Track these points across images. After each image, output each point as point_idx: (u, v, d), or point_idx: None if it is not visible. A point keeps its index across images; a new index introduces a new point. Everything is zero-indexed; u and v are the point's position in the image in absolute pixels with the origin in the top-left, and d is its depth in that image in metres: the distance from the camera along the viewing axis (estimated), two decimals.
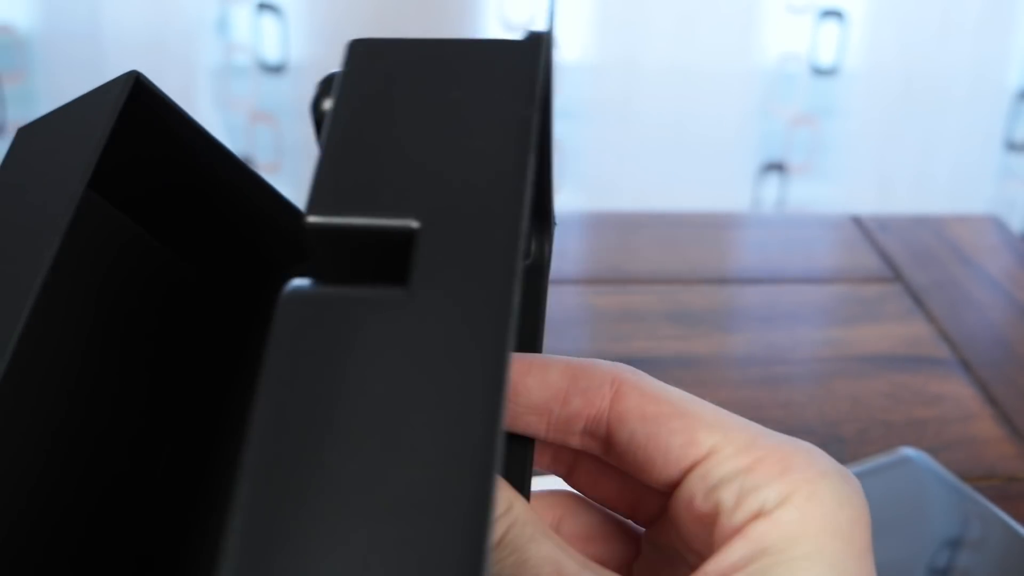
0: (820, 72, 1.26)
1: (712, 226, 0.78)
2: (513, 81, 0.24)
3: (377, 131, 0.24)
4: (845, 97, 1.27)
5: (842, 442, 0.55)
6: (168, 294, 0.34)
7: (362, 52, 0.25)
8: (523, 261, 0.32)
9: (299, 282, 0.22)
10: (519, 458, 0.30)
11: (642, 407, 0.28)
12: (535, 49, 0.25)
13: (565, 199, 1.27)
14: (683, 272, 0.70)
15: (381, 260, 0.22)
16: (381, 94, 0.25)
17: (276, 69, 1.18)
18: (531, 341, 0.32)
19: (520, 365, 0.29)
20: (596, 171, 1.26)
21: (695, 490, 0.27)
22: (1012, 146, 1.31)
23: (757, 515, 0.26)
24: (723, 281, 0.69)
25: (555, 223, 0.33)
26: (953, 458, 0.54)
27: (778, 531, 0.26)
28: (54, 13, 1.13)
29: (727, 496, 0.27)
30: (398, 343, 0.20)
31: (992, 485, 0.52)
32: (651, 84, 1.22)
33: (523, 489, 0.30)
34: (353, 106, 0.24)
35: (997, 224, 0.80)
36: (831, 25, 1.24)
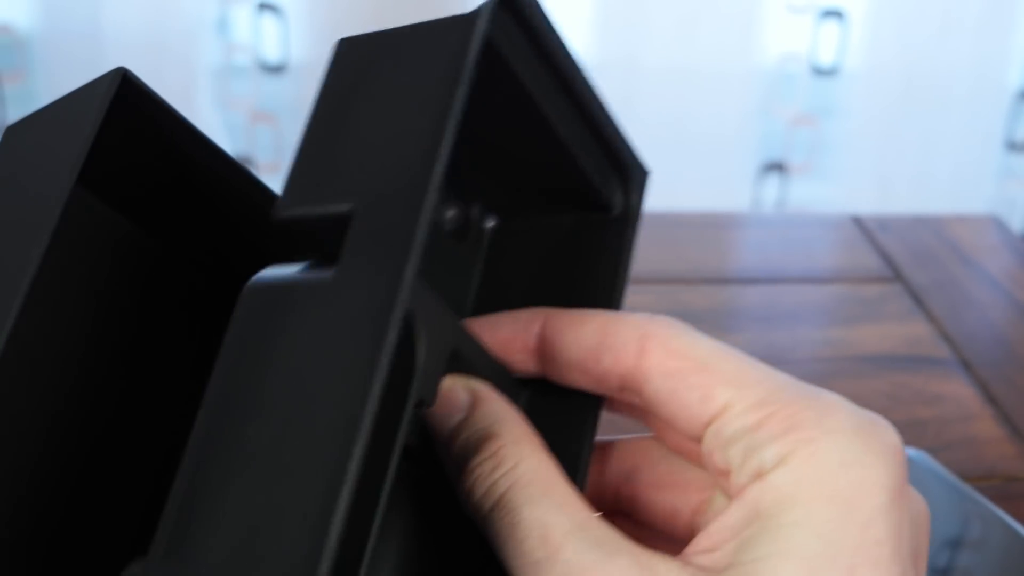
0: (820, 72, 1.26)
1: (712, 226, 0.78)
2: (447, 59, 0.25)
3: (337, 126, 0.25)
4: (845, 97, 1.27)
5: None
6: (164, 289, 0.34)
7: (342, 50, 0.27)
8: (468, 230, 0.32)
9: (261, 273, 0.24)
10: (579, 412, 0.30)
11: (664, 363, 0.27)
12: (470, 23, 0.25)
13: None
14: (683, 272, 0.70)
15: (328, 244, 0.24)
16: (348, 90, 0.26)
17: (276, 69, 1.18)
18: (608, 293, 0.32)
19: (559, 321, 0.29)
20: None
21: (712, 447, 0.26)
22: (1012, 146, 1.31)
23: (756, 476, 0.25)
24: (723, 281, 0.69)
25: (643, 172, 0.33)
26: (953, 458, 0.54)
27: (771, 495, 0.25)
28: (54, 13, 1.13)
29: (735, 454, 0.26)
30: (316, 322, 0.23)
31: (992, 485, 0.52)
32: (651, 84, 1.22)
33: (578, 442, 0.30)
34: (324, 104, 0.26)
35: (997, 224, 0.80)
36: (831, 25, 1.24)
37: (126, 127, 0.29)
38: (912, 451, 0.52)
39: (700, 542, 0.25)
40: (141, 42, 1.13)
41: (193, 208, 0.33)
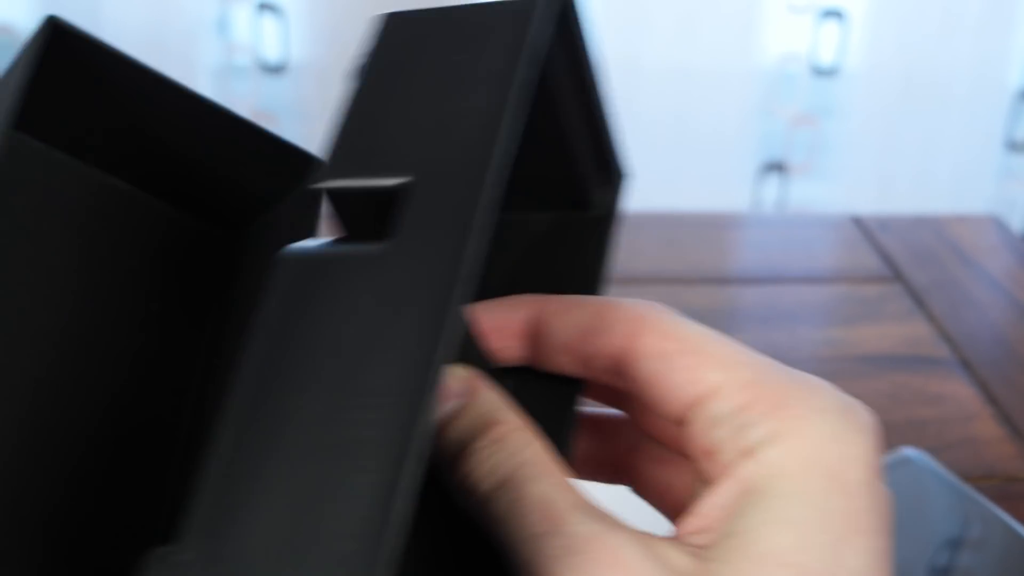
0: (820, 72, 1.26)
1: (712, 226, 0.78)
2: (506, 40, 0.25)
3: (386, 100, 0.25)
4: (845, 97, 1.27)
5: None
6: (141, 233, 0.33)
7: (390, 26, 0.27)
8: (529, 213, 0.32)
9: (294, 245, 0.23)
10: (561, 398, 0.31)
11: (655, 344, 0.28)
12: (529, 6, 0.25)
13: None
14: (683, 272, 0.70)
15: (377, 217, 0.23)
16: (396, 65, 0.26)
17: (276, 69, 1.18)
18: (588, 293, 0.32)
19: (554, 304, 0.30)
20: None
21: (697, 428, 0.27)
22: (1012, 146, 1.31)
23: (745, 454, 0.26)
24: (723, 281, 0.69)
25: (622, 174, 0.33)
26: (953, 458, 0.54)
27: (762, 470, 0.26)
28: (54, 13, 1.13)
29: (723, 434, 0.26)
30: (369, 296, 0.22)
31: (992, 485, 0.52)
32: (652, 83, 1.22)
33: (563, 426, 0.30)
34: (371, 79, 0.25)
35: (997, 224, 0.80)
36: (831, 25, 1.24)
37: (64, 71, 0.28)
38: (912, 451, 0.52)
39: (692, 522, 0.26)
40: (141, 42, 1.13)
41: (163, 151, 0.32)
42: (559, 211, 0.33)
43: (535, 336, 0.30)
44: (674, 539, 0.26)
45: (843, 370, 0.61)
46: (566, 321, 0.29)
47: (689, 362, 0.28)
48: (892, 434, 0.55)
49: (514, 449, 0.27)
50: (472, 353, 0.29)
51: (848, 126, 1.28)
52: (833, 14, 1.24)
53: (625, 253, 0.72)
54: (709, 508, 0.26)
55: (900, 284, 0.70)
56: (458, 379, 0.28)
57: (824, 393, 0.27)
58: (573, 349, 0.29)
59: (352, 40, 1.23)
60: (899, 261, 0.73)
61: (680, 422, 0.28)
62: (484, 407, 0.28)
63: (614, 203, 0.33)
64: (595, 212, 0.33)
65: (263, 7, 1.16)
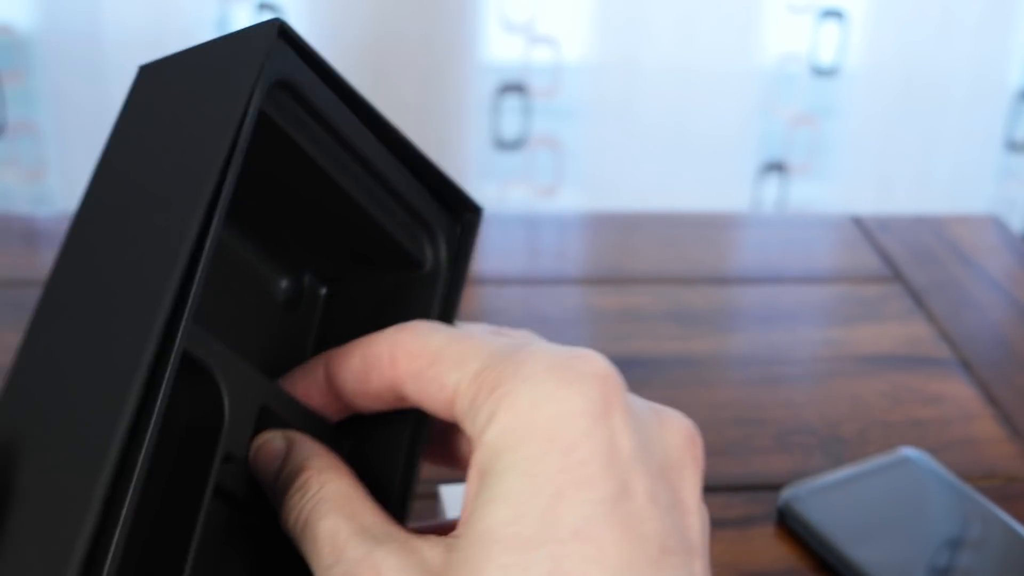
0: (820, 72, 1.26)
1: (712, 226, 0.78)
2: (234, 82, 0.27)
3: (125, 150, 0.28)
4: (845, 97, 1.27)
5: (842, 442, 0.55)
6: None
7: (142, 78, 0.29)
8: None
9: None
10: (399, 433, 0.32)
11: (409, 365, 0.29)
12: (261, 42, 0.27)
13: (565, 199, 1.27)
14: (683, 272, 0.70)
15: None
16: (139, 117, 0.28)
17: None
18: None
19: (333, 358, 0.31)
20: (596, 171, 1.26)
21: (458, 428, 0.29)
22: (1012, 146, 1.31)
23: (477, 441, 0.27)
24: (723, 281, 0.69)
25: (476, 208, 0.34)
26: (953, 458, 0.54)
27: (485, 452, 0.26)
28: (54, 13, 1.13)
29: (467, 427, 0.27)
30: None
31: (992, 485, 0.52)
32: (651, 84, 1.22)
33: (412, 451, 0.32)
34: (117, 134, 0.28)
35: (997, 224, 0.80)
36: (831, 25, 1.24)
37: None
38: (912, 451, 0.52)
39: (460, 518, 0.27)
40: (141, 42, 1.13)
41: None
42: (398, 271, 0.34)
43: (334, 390, 0.31)
44: (442, 537, 0.27)
45: (843, 370, 0.61)
46: (346, 369, 0.31)
47: (432, 372, 0.29)
48: (892, 434, 0.55)
49: (312, 491, 0.28)
50: (296, 418, 0.31)
51: (848, 126, 1.28)
52: (833, 14, 1.23)
53: (625, 253, 0.72)
54: (464, 501, 0.27)
55: (900, 284, 0.70)
56: (278, 439, 0.30)
57: (534, 358, 0.27)
58: (361, 392, 0.31)
59: (352, 40, 1.23)
60: (899, 261, 0.73)
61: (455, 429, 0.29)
62: (298, 458, 0.29)
63: (440, 257, 0.34)
64: (427, 268, 0.34)
65: (263, 7, 1.16)
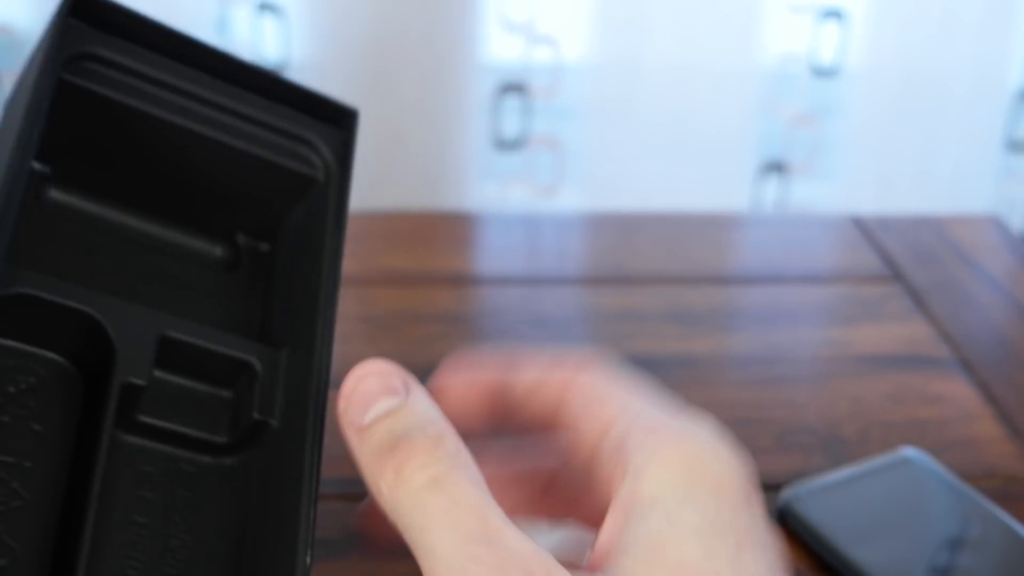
0: (820, 72, 1.26)
1: (712, 226, 0.78)
2: (35, 65, 0.30)
3: None
4: (846, 97, 1.27)
5: (842, 442, 0.55)
6: None
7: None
8: None
9: None
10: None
11: (577, 397, 0.31)
12: (54, 20, 0.31)
13: (566, 199, 1.27)
14: (684, 272, 0.70)
15: None
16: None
17: (277, 69, 1.18)
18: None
19: (515, 366, 0.33)
20: (597, 171, 1.25)
21: (598, 463, 0.29)
22: (1013, 146, 1.31)
23: (629, 474, 0.27)
24: (723, 281, 0.69)
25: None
26: (953, 458, 0.54)
27: (644, 485, 0.27)
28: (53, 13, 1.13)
29: (612, 462, 0.28)
30: None
31: (992, 485, 0.52)
32: (652, 84, 1.22)
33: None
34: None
35: (998, 224, 0.80)
36: (831, 25, 1.24)
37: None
38: (912, 451, 0.52)
39: (598, 550, 0.27)
40: None
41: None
42: (303, 200, 0.36)
43: (500, 387, 0.33)
44: (583, 569, 0.27)
45: (843, 370, 0.61)
46: (523, 375, 0.32)
47: (595, 409, 0.30)
48: (892, 434, 0.55)
49: (451, 448, 0.28)
50: (197, 352, 0.32)
51: (848, 126, 1.28)
52: (833, 14, 1.23)
53: (626, 253, 0.72)
54: (605, 532, 0.27)
55: (900, 284, 0.70)
56: (399, 376, 0.30)
57: (696, 420, 0.29)
58: (525, 399, 0.32)
59: (352, 40, 1.23)
60: (899, 261, 0.73)
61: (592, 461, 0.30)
62: (421, 406, 0.29)
63: (332, 162, 0.35)
64: (321, 180, 0.35)
65: (263, 7, 1.16)
